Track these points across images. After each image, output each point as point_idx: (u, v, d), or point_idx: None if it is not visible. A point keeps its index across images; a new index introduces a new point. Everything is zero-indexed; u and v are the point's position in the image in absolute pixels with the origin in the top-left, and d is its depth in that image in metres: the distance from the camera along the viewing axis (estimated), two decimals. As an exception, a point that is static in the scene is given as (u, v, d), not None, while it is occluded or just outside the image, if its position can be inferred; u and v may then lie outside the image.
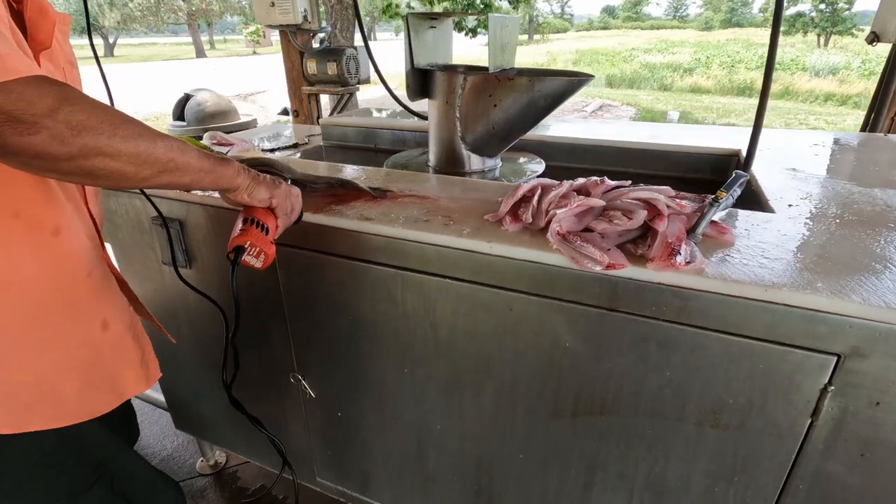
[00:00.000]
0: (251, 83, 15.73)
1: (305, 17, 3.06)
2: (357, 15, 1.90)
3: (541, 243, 0.80)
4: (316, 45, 3.50)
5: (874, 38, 2.25)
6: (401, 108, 1.80)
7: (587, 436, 0.90)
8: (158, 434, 1.88)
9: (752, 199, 1.11)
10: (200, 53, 35.44)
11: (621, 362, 0.81)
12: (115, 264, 1.34)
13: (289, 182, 1.01)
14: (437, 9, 7.52)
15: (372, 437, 1.19)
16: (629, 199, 0.84)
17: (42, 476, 0.81)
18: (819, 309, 0.65)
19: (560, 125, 1.82)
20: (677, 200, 0.81)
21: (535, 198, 0.90)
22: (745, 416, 0.75)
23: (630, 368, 0.80)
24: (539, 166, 1.44)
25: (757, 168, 1.21)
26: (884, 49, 2.19)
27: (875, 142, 1.47)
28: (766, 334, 0.69)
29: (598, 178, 0.91)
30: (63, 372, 0.76)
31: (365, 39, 1.73)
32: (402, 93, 1.50)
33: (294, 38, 3.25)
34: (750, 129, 1.06)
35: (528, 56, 20.16)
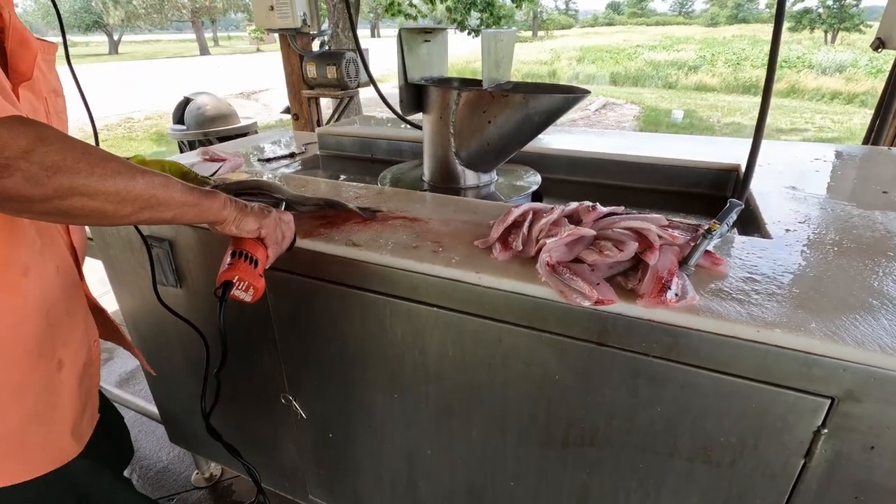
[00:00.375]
0: (254, 81, 15.73)
1: (305, 21, 3.04)
2: (352, 22, 1.88)
3: (530, 275, 0.79)
4: (316, 48, 3.48)
5: (879, 45, 2.21)
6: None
7: (578, 466, 0.89)
8: (154, 445, 1.88)
9: (750, 220, 1.09)
10: (204, 51, 35.48)
11: (612, 396, 0.79)
12: (108, 282, 1.34)
13: (282, 206, 0.99)
14: (440, 8, 7.48)
15: (363, 459, 1.18)
16: (620, 229, 0.82)
17: None
18: (812, 352, 0.63)
19: (560, 136, 1.80)
20: (669, 231, 0.80)
21: (526, 224, 0.88)
22: (737, 454, 0.73)
23: (621, 402, 0.79)
24: (535, 182, 1.42)
25: (756, 186, 1.19)
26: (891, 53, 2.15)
27: (877, 156, 1.44)
28: (758, 374, 0.67)
29: (590, 205, 0.89)
30: (29, 419, 0.72)
31: (359, 47, 1.71)
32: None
33: (293, 41, 3.23)
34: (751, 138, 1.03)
35: (531, 54, 20.05)
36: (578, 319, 0.76)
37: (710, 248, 0.80)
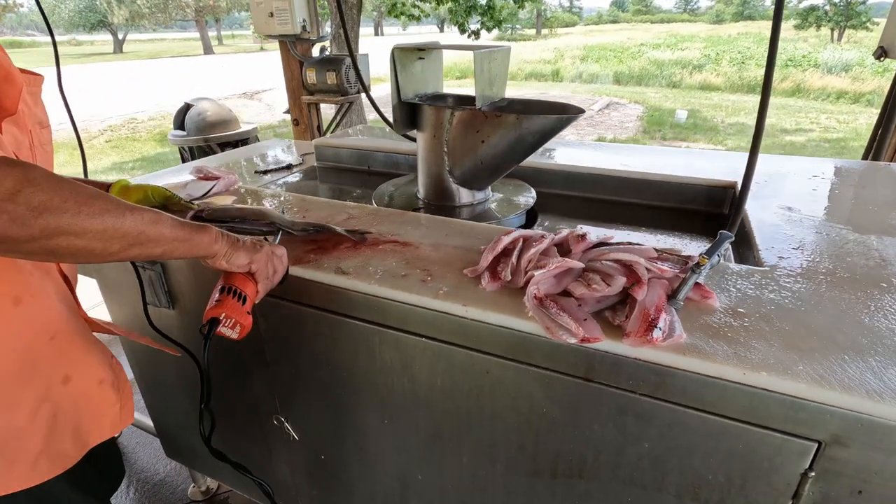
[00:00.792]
0: (258, 81, 15.74)
1: (304, 27, 3.03)
2: (345, 31, 1.88)
3: (517, 308, 0.78)
4: (316, 52, 3.47)
5: (882, 54, 2.19)
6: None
7: (567, 497, 0.88)
8: (151, 458, 1.88)
9: (744, 242, 1.08)
10: (208, 50, 35.52)
11: (600, 431, 0.79)
12: (102, 299, 1.34)
13: (277, 238, 0.98)
14: (442, 9, 7.45)
15: (355, 482, 1.18)
16: (609, 261, 0.81)
17: None
18: (799, 396, 0.62)
19: (558, 149, 1.79)
20: (658, 264, 0.79)
21: (515, 253, 0.88)
22: (725, 493, 0.73)
23: (608, 437, 0.78)
24: (530, 199, 1.41)
25: (751, 206, 1.18)
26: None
27: (876, 173, 1.43)
28: (744, 416, 0.66)
29: (580, 234, 0.88)
30: (26, 429, 0.74)
31: (353, 55, 1.71)
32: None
33: (293, 47, 3.23)
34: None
35: (534, 53, 19.96)
36: (565, 355, 0.75)
37: (700, 280, 0.79)
